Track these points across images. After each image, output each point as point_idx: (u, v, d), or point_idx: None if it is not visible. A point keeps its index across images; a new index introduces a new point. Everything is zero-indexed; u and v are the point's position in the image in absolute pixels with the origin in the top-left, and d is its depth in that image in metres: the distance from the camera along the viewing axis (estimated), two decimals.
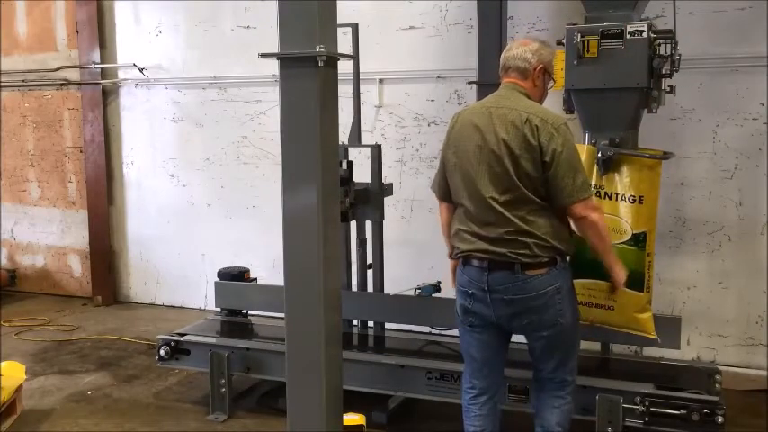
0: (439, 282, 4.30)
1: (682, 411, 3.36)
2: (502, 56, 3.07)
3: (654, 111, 3.63)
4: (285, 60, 2.68)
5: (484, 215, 2.89)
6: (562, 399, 3.10)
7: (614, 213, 3.47)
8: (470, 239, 2.94)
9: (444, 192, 3.13)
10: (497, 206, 2.85)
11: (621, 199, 3.46)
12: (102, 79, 6.75)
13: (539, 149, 2.79)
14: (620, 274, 3.07)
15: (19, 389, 4.22)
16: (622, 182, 3.48)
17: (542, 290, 2.86)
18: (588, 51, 3.58)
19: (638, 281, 3.43)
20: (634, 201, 3.42)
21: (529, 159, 2.80)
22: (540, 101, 3.05)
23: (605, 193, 3.52)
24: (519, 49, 3.02)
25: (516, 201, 2.83)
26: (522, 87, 2.98)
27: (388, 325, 4.56)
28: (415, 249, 5.60)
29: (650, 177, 3.46)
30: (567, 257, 2.96)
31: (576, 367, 3.15)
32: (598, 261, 3.11)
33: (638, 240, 3.44)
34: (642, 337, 3.61)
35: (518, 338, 3.15)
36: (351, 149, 4.60)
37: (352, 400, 3.46)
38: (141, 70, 6.56)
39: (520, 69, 2.99)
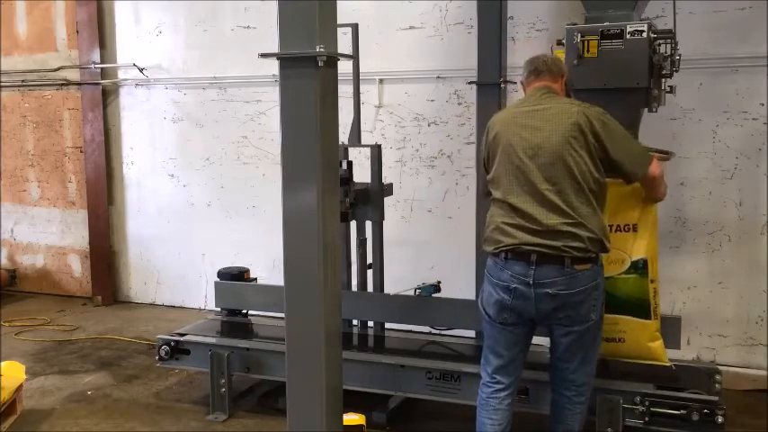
0: (439, 282, 4.30)
1: (682, 411, 3.36)
2: (530, 62, 3.23)
3: (654, 110, 3.63)
4: (285, 60, 2.67)
5: (536, 208, 2.93)
6: (582, 404, 3.15)
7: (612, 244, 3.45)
8: (515, 233, 2.96)
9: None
10: (554, 197, 2.90)
11: (616, 230, 3.43)
12: (102, 79, 6.75)
13: (594, 138, 2.92)
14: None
15: (19, 389, 4.22)
16: (614, 211, 3.45)
17: (585, 285, 2.93)
18: (588, 51, 3.58)
19: (644, 309, 3.42)
20: (628, 229, 3.42)
21: (586, 150, 2.91)
22: None
23: None
24: (547, 57, 3.25)
25: (572, 194, 2.91)
26: (555, 89, 3.16)
27: (388, 325, 4.57)
28: (415, 249, 5.61)
29: (642, 205, 3.43)
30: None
31: (594, 371, 3.18)
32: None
33: (638, 267, 3.43)
34: None
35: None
36: (351, 149, 4.60)
37: (352, 400, 3.45)
38: (141, 70, 6.56)
39: (552, 73, 3.17)
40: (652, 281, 3.43)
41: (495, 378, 3.15)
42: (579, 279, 2.91)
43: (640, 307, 3.41)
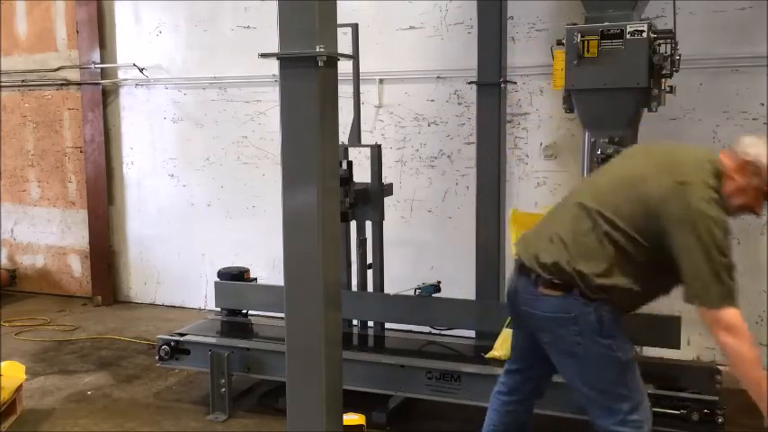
0: (439, 282, 4.30)
1: (682, 411, 3.36)
2: None
3: (654, 109, 3.63)
4: (285, 60, 2.68)
5: None
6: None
7: None
8: None
9: None
10: None
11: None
12: (102, 79, 6.74)
13: None
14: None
15: (19, 389, 4.21)
16: None
17: (553, 313, 2.55)
18: (588, 51, 3.59)
19: None
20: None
21: None
22: (732, 203, 2.64)
23: None
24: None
25: None
26: (719, 161, 2.54)
27: (388, 325, 4.57)
28: (415, 249, 5.61)
29: None
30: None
31: (626, 413, 2.56)
32: None
33: None
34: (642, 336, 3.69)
35: None
36: (351, 149, 4.60)
37: (352, 400, 3.45)
38: (141, 70, 6.56)
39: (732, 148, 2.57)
40: None
41: (502, 376, 2.92)
42: (543, 302, 2.54)
43: None
